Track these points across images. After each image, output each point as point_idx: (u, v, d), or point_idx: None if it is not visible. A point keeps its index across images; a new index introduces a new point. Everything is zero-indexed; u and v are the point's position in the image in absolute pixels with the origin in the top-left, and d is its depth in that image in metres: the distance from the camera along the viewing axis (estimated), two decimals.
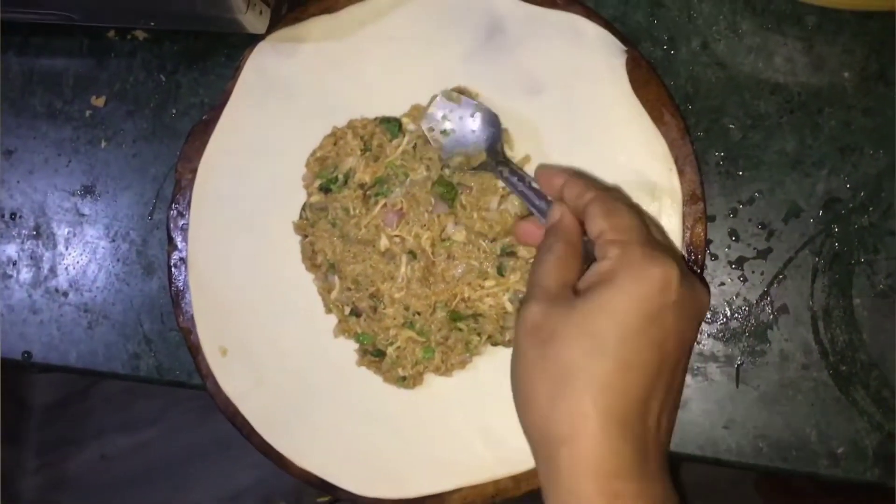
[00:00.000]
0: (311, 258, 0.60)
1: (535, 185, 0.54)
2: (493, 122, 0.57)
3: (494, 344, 0.58)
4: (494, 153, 0.57)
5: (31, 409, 1.79)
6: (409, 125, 0.59)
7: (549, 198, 0.53)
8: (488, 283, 0.57)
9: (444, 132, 0.58)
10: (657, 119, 0.56)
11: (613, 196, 0.49)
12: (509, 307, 0.57)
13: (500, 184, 0.57)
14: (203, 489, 1.67)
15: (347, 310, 0.59)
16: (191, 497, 1.67)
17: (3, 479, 1.68)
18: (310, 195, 0.60)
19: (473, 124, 0.57)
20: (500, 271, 0.57)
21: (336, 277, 0.59)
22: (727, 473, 1.41)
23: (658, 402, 0.44)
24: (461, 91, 0.59)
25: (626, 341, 0.42)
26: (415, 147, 0.59)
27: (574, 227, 0.50)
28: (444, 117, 0.58)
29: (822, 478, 0.55)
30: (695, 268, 0.56)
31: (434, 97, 0.58)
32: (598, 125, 0.57)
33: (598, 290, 0.44)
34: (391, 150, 0.59)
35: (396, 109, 0.60)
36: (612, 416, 0.41)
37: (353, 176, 0.59)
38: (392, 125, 0.59)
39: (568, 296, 0.46)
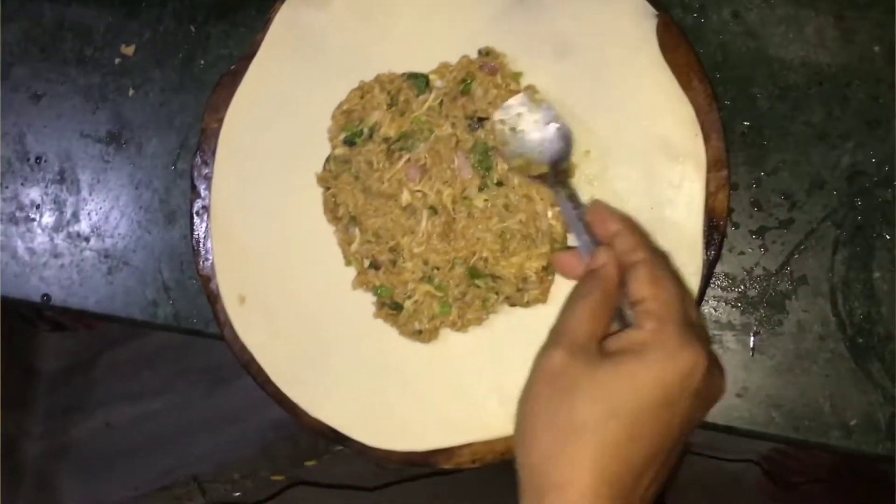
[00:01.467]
0: (332, 210, 0.61)
1: (585, 217, 0.52)
2: (566, 138, 0.56)
3: (512, 305, 0.58)
4: (557, 170, 0.56)
5: (38, 375, 1.80)
6: (437, 82, 0.60)
7: (597, 239, 0.51)
8: (516, 259, 0.57)
9: (513, 129, 0.57)
10: (685, 84, 0.56)
11: (662, 264, 0.49)
12: (530, 275, 0.57)
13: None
14: (207, 461, 1.67)
15: (367, 262, 0.59)
16: (194, 469, 1.68)
17: (7, 443, 1.69)
18: (334, 147, 0.61)
19: (547, 133, 0.57)
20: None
21: (357, 230, 0.60)
22: (728, 469, 1.41)
23: (651, 476, 0.45)
24: (494, 56, 0.59)
25: (641, 416, 0.43)
26: (441, 104, 0.59)
27: (615, 279, 0.48)
28: (520, 115, 0.57)
29: (833, 449, 0.56)
30: (715, 236, 0.56)
31: (517, 92, 0.58)
32: (626, 88, 0.57)
33: (627, 358, 0.44)
34: (417, 106, 0.59)
35: (424, 66, 0.60)
36: (607, 479, 0.43)
37: (378, 130, 0.60)
38: (419, 81, 0.59)
39: (593, 350, 0.46)
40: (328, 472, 1.42)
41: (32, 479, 1.73)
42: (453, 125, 0.58)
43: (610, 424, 0.43)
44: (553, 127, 0.56)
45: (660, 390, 0.43)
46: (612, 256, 0.49)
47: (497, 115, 0.57)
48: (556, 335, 0.47)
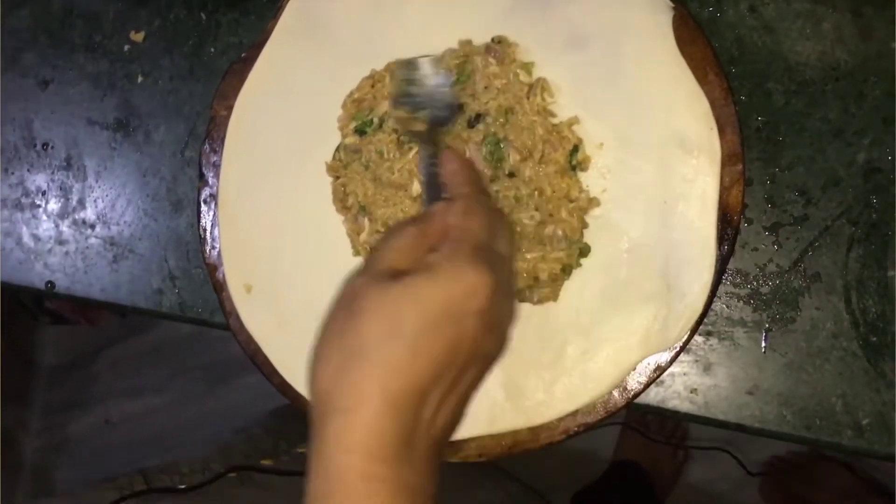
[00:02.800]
0: (342, 200, 0.60)
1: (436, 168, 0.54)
2: (451, 108, 0.58)
3: (522, 301, 0.57)
4: (433, 132, 0.57)
5: (38, 370, 1.79)
6: None
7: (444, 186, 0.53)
8: (530, 256, 0.56)
9: (410, 82, 0.58)
10: (701, 78, 0.56)
11: (483, 201, 0.51)
12: (543, 276, 0.56)
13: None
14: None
15: None
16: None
17: (6, 437, 1.69)
18: (344, 136, 0.60)
19: (436, 96, 0.58)
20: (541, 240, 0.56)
21: (366, 220, 0.59)
22: (733, 475, 1.40)
23: (437, 397, 0.45)
24: (507, 44, 0.58)
25: (423, 331, 0.43)
26: None
27: (435, 228, 0.49)
28: (424, 75, 0.58)
29: (845, 449, 0.55)
30: (729, 231, 0.55)
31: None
32: (641, 81, 0.57)
33: (414, 277, 0.45)
34: None
35: (435, 52, 0.60)
36: (391, 400, 0.43)
37: (388, 120, 0.59)
38: None
39: (389, 275, 0.46)
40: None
41: (31, 474, 1.72)
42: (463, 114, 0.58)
43: (393, 343, 0.43)
44: (444, 92, 0.58)
45: (441, 304, 0.44)
46: (440, 212, 0.50)
47: (401, 67, 0.59)
48: (366, 261, 0.49)
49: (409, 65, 0.59)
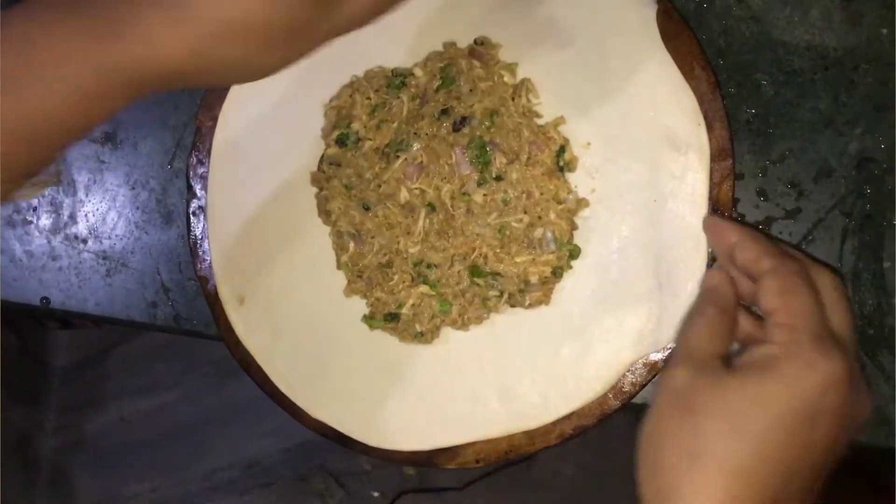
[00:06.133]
0: (326, 212, 0.59)
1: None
2: None
3: (513, 305, 0.57)
4: None
5: (51, 370, 1.80)
6: (420, 74, 0.58)
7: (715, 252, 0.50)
8: (520, 259, 0.56)
9: None
10: (687, 72, 0.55)
11: (792, 269, 0.45)
12: (533, 279, 0.56)
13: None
14: (220, 454, 1.68)
15: (357, 273, 0.59)
16: (208, 462, 1.68)
17: (22, 439, 1.70)
18: (327, 146, 0.60)
19: None
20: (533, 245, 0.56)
21: (352, 243, 0.58)
22: None
23: (789, 500, 0.41)
24: (490, 45, 0.57)
25: (772, 434, 0.40)
26: (420, 105, 0.57)
27: (731, 297, 0.47)
28: None
29: None
30: None
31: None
32: (626, 78, 0.56)
33: (756, 373, 0.42)
34: (398, 109, 0.58)
35: (419, 56, 0.59)
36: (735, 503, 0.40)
37: (364, 143, 0.58)
38: (395, 83, 0.58)
39: (716, 367, 0.43)
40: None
41: (48, 474, 1.74)
42: (436, 129, 0.57)
43: (737, 446, 0.40)
44: None
45: (793, 405, 0.40)
46: (724, 274, 0.48)
47: None
48: (678, 353, 0.45)
49: None
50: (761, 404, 0.40)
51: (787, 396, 0.40)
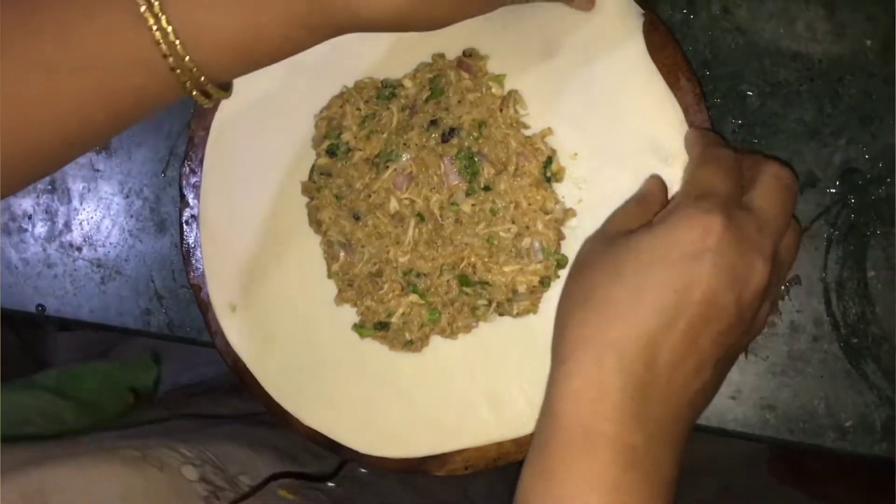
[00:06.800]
0: (317, 222, 0.60)
1: None
2: None
3: (501, 314, 0.58)
4: None
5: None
6: (409, 85, 0.58)
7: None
8: (508, 269, 0.56)
9: None
10: (673, 84, 0.55)
11: (716, 152, 0.48)
12: (521, 289, 0.56)
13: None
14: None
15: (347, 282, 0.59)
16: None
17: None
18: (318, 156, 0.60)
19: None
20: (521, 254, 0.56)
21: (342, 252, 0.59)
22: (741, 450, 1.40)
23: (672, 352, 0.41)
24: (478, 57, 0.58)
25: (643, 272, 0.42)
26: (410, 115, 0.58)
27: (658, 196, 0.52)
28: None
29: (828, 451, 0.55)
30: None
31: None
32: (613, 89, 0.56)
33: (641, 230, 0.45)
34: (387, 120, 0.58)
35: (409, 67, 0.59)
36: (611, 347, 0.41)
37: (354, 153, 0.59)
38: (384, 94, 0.58)
39: (619, 236, 0.47)
40: None
41: None
42: (425, 140, 0.57)
43: (612, 287, 0.42)
44: None
45: (664, 246, 0.42)
46: (658, 180, 0.53)
47: None
48: (596, 231, 0.51)
49: None
50: (635, 251, 0.43)
51: (658, 244, 0.43)
